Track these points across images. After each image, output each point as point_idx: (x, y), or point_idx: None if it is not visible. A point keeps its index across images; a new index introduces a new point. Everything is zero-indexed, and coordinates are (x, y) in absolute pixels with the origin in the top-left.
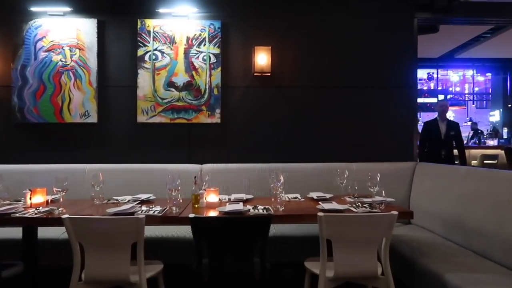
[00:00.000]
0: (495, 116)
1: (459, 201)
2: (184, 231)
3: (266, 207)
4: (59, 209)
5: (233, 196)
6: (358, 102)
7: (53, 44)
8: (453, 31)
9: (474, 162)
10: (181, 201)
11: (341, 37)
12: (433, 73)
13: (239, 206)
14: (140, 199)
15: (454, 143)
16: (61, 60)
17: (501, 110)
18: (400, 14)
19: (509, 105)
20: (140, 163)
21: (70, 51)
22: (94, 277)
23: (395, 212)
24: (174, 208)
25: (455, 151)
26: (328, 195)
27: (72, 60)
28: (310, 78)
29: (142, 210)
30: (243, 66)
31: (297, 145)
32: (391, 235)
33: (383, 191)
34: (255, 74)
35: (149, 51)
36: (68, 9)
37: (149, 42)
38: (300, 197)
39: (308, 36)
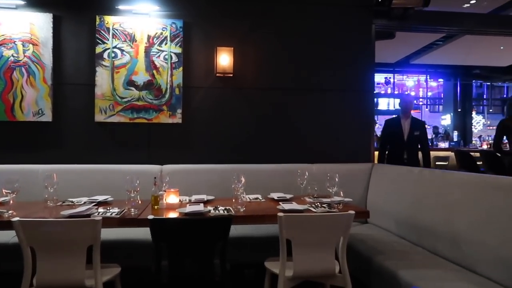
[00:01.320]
0: (446, 119)
1: (412, 200)
2: (143, 233)
3: (227, 208)
4: (9, 211)
5: (193, 197)
6: (318, 104)
7: (4, 39)
8: (409, 38)
9: None
10: (140, 202)
11: (302, 40)
12: (390, 77)
13: (200, 207)
14: (97, 200)
15: (418, 145)
16: (13, 56)
17: (451, 114)
18: (359, 20)
19: (459, 110)
20: (97, 163)
21: (23, 46)
22: (46, 282)
23: (352, 212)
24: (132, 209)
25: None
26: (288, 196)
27: (25, 56)
28: (271, 80)
29: (99, 212)
30: (205, 67)
31: (258, 146)
32: (349, 234)
33: (341, 192)
34: (217, 74)
35: (108, 48)
36: (21, 2)
37: (108, 39)
38: (261, 198)
39: (270, 39)
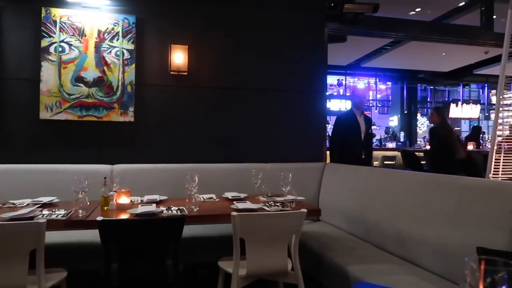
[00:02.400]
0: (394, 121)
1: (361, 198)
2: (92, 235)
3: (180, 208)
4: None
5: (145, 198)
6: (273, 104)
7: None
8: (360, 42)
9: (376, 163)
10: (88, 203)
11: (257, 40)
12: (342, 79)
13: (152, 208)
14: (41, 202)
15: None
16: None
17: (398, 115)
18: (313, 22)
19: (405, 112)
20: (43, 163)
21: None
22: None
23: (304, 210)
24: (80, 211)
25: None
26: (242, 195)
27: None
28: (227, 79)
29: (44, 214)
30: (159, 64)
31: (213, 146)
32: (301, 232)
33: (294, 191)
34: (171, 72)
35: (55, 42)
36: None
37: (55, 33)
38: (215, 197)
39: (226, 38)
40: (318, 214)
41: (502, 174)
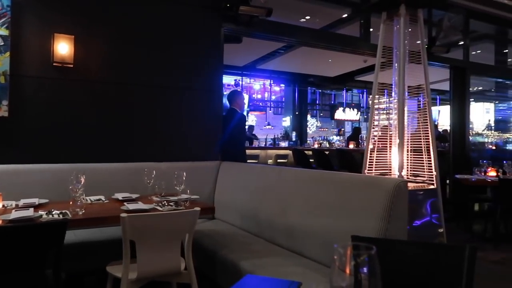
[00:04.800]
0: (287, 121)
1: (254, 195)
2: None
3: (63, 211)
4: None
5: (22, 202)
6: (167, 102)
7: None
8: (255, 44)
9: (270, 161)
10: None
11: (152, 35)
12: (239, 80)
13: (29, 212)
14: None
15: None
16: None
17: (291, 116)
18: (209, 22)
19: (297, 113)
20: None
21: None
22: None
23: (198, 208)
24: None
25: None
26: (134, 196)
27: None
28: (119, 75)
29: None
30: (40, 54)
31: (102, 144)
32: (194, 230)
33: (188, 189)
34: (54, 64)
35: None
36: None
37: None
38: (104, 199)
39: (118, 32)
40: (212, 212)
41: (375, 170)
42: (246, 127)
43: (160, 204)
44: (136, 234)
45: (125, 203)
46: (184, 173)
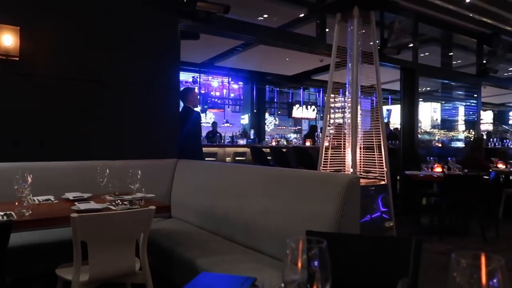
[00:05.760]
0: (245, 119)
1: (212, 193)
2: None
3: (8, 213)
4: None
5: None
6: (121, 98)
7: None
8: (212, 40)
9: (228, 159)
10: None
11: (106, 30)
12: (197, 77)
13: None
14: None
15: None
16: None
17: (249, 114)
18: (166, 16)
19: (255, 111)
20: None
21: None
22: None
23: (153, 207)
24: None
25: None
26: (86, 195)
27: None
28: (69, 69)
29: None
30: None
31: (52, 142)
32: (149, 230)
33: (143, 188)
34: None
35: None
36: None
37: None
38: (53, 199)
39: (69, 24)
40: (168, 210)
41: (330, 167)
42: (209, 124)
43: (113, 203)
44: (87, 235)
45: (76, 203)
46: (139, 171)
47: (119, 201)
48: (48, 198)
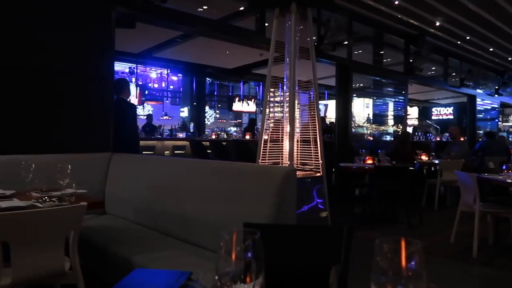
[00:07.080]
0: (185, 112)
1: (149, 187)
2: None
3: None
4: None
5: None
6: (49, 88)
7: None
8: (150, 30)
9: (167, 152)
10: None
11: (33, 14)
12: (134, 67)
13: None
14: None
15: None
16: None
17: (189, 107)
18: (99, 3)
19: (195, 104)
20: None
21: None
22: None
23: (84, 203)
24: None
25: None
26: (9, 192)
27: None
28: None
29: None
30: None
31: None
32: (80, 227)
33: (74, 183)
34: None
35: None
36: None
37: None
38: None
39: None
40: (102, 206)
41: (268, 159)
42: (144, 117)
43: (40, 200)
44: (9, 235)
45: None
46: (69, 166)
47: (46, 197)
48: None
